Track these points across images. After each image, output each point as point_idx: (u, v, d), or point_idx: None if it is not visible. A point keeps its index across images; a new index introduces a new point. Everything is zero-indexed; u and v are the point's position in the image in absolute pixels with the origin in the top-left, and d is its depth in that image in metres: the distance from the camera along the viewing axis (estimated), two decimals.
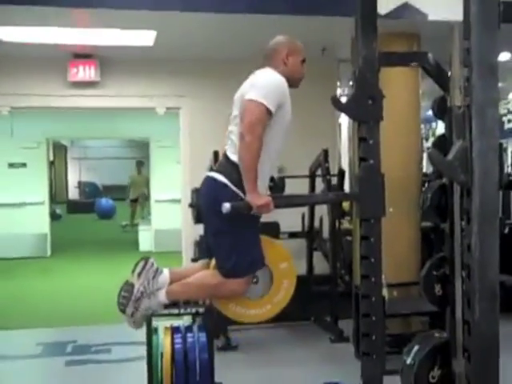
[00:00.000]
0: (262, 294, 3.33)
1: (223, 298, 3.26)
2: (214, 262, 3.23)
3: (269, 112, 3.02)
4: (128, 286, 3.17)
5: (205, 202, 3.25)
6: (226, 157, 3.17)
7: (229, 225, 3.07)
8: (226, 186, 3.09)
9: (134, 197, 15.13)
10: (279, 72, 3.19)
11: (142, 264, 3.21)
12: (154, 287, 3.18)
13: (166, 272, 3.25)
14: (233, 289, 3.16)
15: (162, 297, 3.20)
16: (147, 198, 14.49)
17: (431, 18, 4.33)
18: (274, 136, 3.11)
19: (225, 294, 3.22)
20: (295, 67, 3.28)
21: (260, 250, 3.17)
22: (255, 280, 3.28)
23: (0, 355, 5.79)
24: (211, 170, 3.51)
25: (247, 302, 3.29)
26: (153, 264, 3.23)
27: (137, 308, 3.15)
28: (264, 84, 3.08)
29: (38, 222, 11.50)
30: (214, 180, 3.14)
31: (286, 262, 3.33)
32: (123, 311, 3.17)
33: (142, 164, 15.19)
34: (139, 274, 3.18)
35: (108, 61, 6.30)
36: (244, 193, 3.03)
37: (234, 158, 3.10)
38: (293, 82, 3.23)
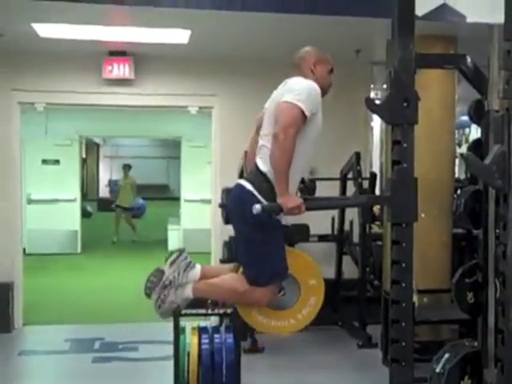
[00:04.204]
0: (287, 307, 3.30)
1: (247, 304, 3.26)
2: (242, 268, 3.22)
3: (304, 115, 3.03)
4: (158, 272, 3.21)
5: (233, 209, 3.31)
6: (256, 166, 3.20)
7: (254, 233, 3.10)
8: (252, 194, 3.11)
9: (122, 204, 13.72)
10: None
11: (176, 254, 3.25)
12: (183, 280, 3.21)
13: (197, 268, 3.28)
14: (257, 297, 3.16)
15: (188, 291, 3.23)
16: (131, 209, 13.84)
17: (470, 20, 4.24)
18: (306, 141, 3.13)
19: (249, 301, 3.22)
20: (323, 76, 3.31)
21: (283, 262, 3.16)
22: (283, 292, 3.26)
23: (29, 350, 5.87)
24: (242, 175, 3.53)
25: (271, 312, 3.27)
26: (186, 257, 3.27)
27: (163, 300, 3.17)
28: (300, 89, 3.11)
29: (69, 218, 11.60)
30: (242, 188, 3.17)
31: (316, 280, 3.30)
32: (148, 295, 3.21)
33: (129, 168, 14.07)
34: (172, 263, 3.22)
35: (142, 58, 6.32)
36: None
37: (263, 167, 3.13)
38: (321, 91, 3.23)
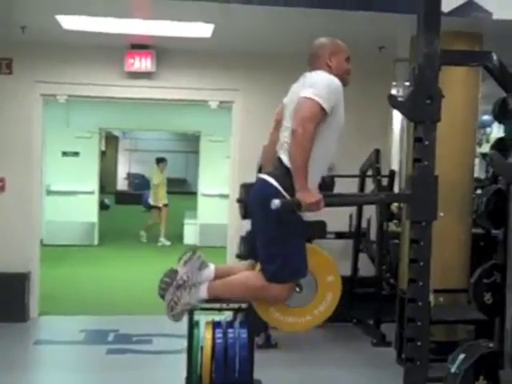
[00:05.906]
0: (303, 304, 3.26)
1: (264, 301, 3.21)
2: (259, 264, 3.19)
3: (323, 110, 2.98)
4: (171, 272, 3.15)
5: (254, 204, 3.21)
6: (279, 160, 3.12)
7: (276, 230, 3.04)
8: (277, 190, 3.04)
9: (158, 203, 12.17)
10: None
11: (189, 254, 3.20)
12: (197, 279, 3.15)
13: (211, 267, 3.22)
14: (275, 294, 3.11)
15: (203, 291, 3.17)
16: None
17: (496, 16, 4.19)
18: (327, 137, 3.07)
19: (266, 298, 3.17)
20: (340, 66, 3.22)
21: (304, 258, 3.12)
22: (299, 289, 3.23)
23: (45, 339, 5.91)
24: (260, 171, 3.47)
25: (287, 309, 3.22)
26: (200, 256, 3.21)
27: (176, 302, 3.12)
28: (320, 83, 3.04)
29: (87, 210, 11.63)
30: (265, 183, 3.10)
31: (333, 276, 3.26)
32: (162, 296, 3.15)
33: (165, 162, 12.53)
34: (185, 263, 3.17)
35: (164, 52, 6.33)
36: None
37: (287, 162, 3.06)
38: (341, 81, 3.15)
